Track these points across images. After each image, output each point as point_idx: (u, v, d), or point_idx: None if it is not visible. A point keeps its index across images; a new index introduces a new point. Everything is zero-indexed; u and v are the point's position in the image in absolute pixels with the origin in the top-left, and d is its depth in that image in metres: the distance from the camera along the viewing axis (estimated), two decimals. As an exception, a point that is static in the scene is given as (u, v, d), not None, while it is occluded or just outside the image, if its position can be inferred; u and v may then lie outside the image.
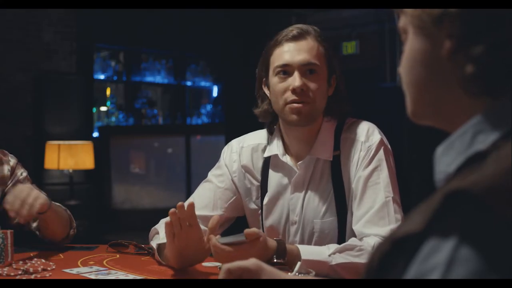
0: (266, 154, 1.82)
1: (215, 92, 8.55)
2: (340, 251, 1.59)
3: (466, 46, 0.68)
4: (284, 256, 1.58)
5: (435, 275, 0.59)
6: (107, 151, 6.73)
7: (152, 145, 7.23)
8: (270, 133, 1.83)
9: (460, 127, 0.69)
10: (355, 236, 1.69)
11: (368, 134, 1.73)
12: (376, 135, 1.73)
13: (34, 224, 1.97)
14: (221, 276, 1.05)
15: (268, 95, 1.78)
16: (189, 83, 8.25)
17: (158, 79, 7.94)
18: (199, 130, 7.75)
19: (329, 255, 1.58)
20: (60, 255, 1.85)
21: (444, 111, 0.73)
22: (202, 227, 1.81)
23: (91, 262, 1.75)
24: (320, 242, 1.71)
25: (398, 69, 0.78)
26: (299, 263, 1.31)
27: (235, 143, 1.90)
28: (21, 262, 1.69)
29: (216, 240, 1.51)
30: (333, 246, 1.61)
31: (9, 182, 2.01)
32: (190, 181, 6.94)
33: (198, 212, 1.82)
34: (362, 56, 6.32)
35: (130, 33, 6.99)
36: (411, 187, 4.49)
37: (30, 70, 5.89)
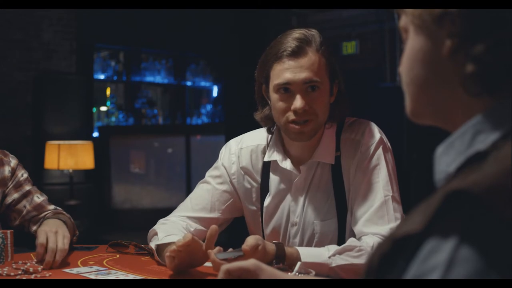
0: (266, 159, 1.81)
1: (215, 92, 8.55)
2: (340, 253, 1.59)
3: (466, 46, 0.68)
4: (283, 260, 1.58)
5: (435, 275, 0.59)
6: (107, 151, 6.74)
7: (152, 145, 7.23)
8: (270, 133, 1.83)
9: (460, 127, 0.69)
10: (355, 236, 1.68)
11: (367, 133, 1.73)
12: (375, 134, 1.73)
13: (34, 227, 1.96)
14: (220, 276, 1.05)
15: (269, 102, 1.75)
16: (189, 83, 8.25)
17: (158, 79, 7.94)
18: (199, 130, 7.75)
19: (329, 257, 1.58)
20: (60, 255, 1.85)
21: (444, 111, 0.73)
22: (200, 227, 1.81)
23: (91, 262, 1.75)
24: (321, 243, 1.70)
25: (399, 69, 0.78)
26: (299, 263, 1.31)
27: (233, 144, 1.89)
28: (20, 262, 1.69)
29: (215, 256, 1.52)
30: (333, 248, 1.61)
31: (10, 183, 2.00)
32: (190, 181, 6.94)
33: (195, 213, 1.83)
34: (362, 56, 6.32)
35: (130, 33, 6.99)
36: (411, 187, 4.49)
37: (30, 70, 5.89)
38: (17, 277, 1.56)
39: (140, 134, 7.36)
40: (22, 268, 1.61)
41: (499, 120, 0.67)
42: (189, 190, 6.84)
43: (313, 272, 1.28)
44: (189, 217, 1.83)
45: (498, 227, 0.58)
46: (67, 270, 1.65)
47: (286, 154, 1.78)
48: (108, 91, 7.78)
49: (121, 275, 1.60)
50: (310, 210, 1.75)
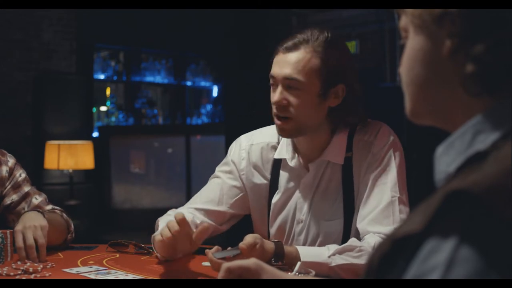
0: (276, 156, 1.81)
1: (215, 92, 8.55)
2: (340, 252, 1.59)
3: (466, 46, 0.68)
4: (282, 258, 1.58)
5: (435, 275, 0.59)
6: (107, 151, 6.74)
7: (152, 145, 7.23)
8: None
9: (460, 127, 0.69)
10: (359, 237, 1.68)
11: (380, 135, 1.72)
12: (388, 136, 1.72)
13: None
14: (220, 275, 1.05)
15: None
16: (189, 83, 8.25)
17: (158, 79, 7.94)
18: (199, 130, 7.75)
19: (329, 257, 1.58)
20: (60, 254, 1.85)
21: (444, 111, 0.73)
22: (206, 219, 1.81)
23: (91, 262, 1.75)
24: (325, 243, 1.70)
25: (399, 69, 0.78)
26: (299, 263, 1.31)
27: (244, 140, 1.89)
28: (20, 262, 1.69)
29: (212, 255, 1.52)
30: (333, 247, 1.61)
31: (8, 183, 2.00)
32: (190, 181, 6.94)
33: (203, 205, 1.85)
34: (362, 56, 6.32)
35: (130, 33, 6.99)
36: (411, 187, 4.48)
37: (30, 70, 5.89)
38: (17, 277, 1.56)
39: (140, 134, 7.36)
40: (22, 268, 1.61)
41: (499, 120, 0.67)
42: (189, 190, 6.84)
43: (313, 272, 1.28)
44: (196, 209, 1.84)
45: (498, 227, 0.58)
46: (67, 269, 1.65)
47: (296, 151, 1.78)
48: (108, 91, 7.78)
49: (120, 274, 1.60)
50: (317, 209, 1.75)
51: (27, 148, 5.61)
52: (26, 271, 1.59)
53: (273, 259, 1.58)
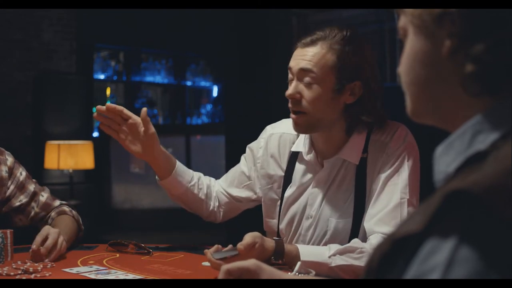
0: (293, 149, 1.82)
1: (215, 92, 8.55)
2: (341, 253, 1.59)
3: (466, 46, 0.68)
4: (282, 257, 1.58)
5: (435, 275, 0.59)
6: (107, 151, 6.73)
7: (152, 145, 7.22)
8: None
9: (460, 127, 0.69)
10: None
11: (396, 136, 1.71)
12: (404, 138, 1.71)
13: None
14: (220, 276, 1.05)
15: None
16: (189, 83, 8.25)
17: (158, 79, 7.94)
18: (199, 130, 7.75)
19: (329, 257, 1.58)
20: (60, 255, 1.85)
21: (444, 111, 0.73)
22: (223, 197, 1.94)
23: (91, 262, 1.75)
24: (332, 241, 1.70)
25: (398, 69, 0.78)
26: (299, 263, 1.31)
27: (268, 128, 1.92)
28: (20, 262, 1.69)
29: (211, 255, 1.53)
30: (334, 247, 1.60)
31: (9, 183, 1.99)
32: (190, 181, 6.93)
33: (222, 183, 1.97)
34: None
35: (130, 33, 6.99)
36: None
37: (30, 70, 5.89)
38: (17, 277, 1.56)
39: (140, 134, 7.34)
40: (22, 268, 1.61)
41: (499, 120, 0.67)
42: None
43: (313, 272, 1.28)
44: (219, 184, 1.97)
45: (498, 227, 0.58)
46: (67, 269, 1.65)
47: (312, 147, 1.78)
48: (108, 91, 7.78)
49: (121, 274, 1.60)
50: (327, 206, 1.75)
51: (27, 148, 5.61)
52: (26, 271, 1.59)
53: (273, 257, 1.58)
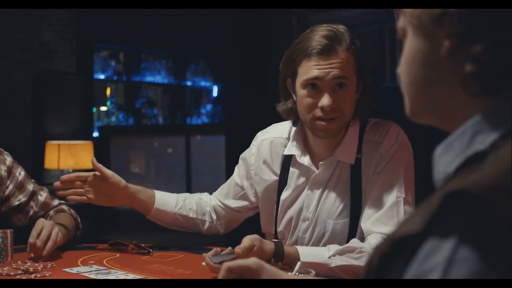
0: (285, 152, 1.82)
1: (215, 92, 8.55)
2: (341, 253, 1.59)
3: (465, 46, 0.68)
4: (281, 259, 1.58)
5: (435, 275, 0.59)
6: (107, 151, 6.73)
7: (152, 145, 7.23)
8: (294, 125, 1.82)
9: (460, 127, 0.69)
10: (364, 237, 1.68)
11: (389, 135, 1.72)
12: (396, 136, 1.72)
13: None
14: (221, 274, 1.05)
15: (293, 96, 1.75)
16: (189, 83, 8.25)
17: (158, 79, 7.94)
18: (199, 130, 7.74)
19: (329, 257, 1.58)
20: (60, 254, 1.85)
21: (444, 111, 0.73)
22: (220, 209, 1.95)
23: (91, 262, 1.75)
24: (330, 242, 1.70)
25: (397, 70, 0.78)
26: (299, 263, 1.31)
27: (259, 135, 1.93)
28: (20, 262, 1.69)
29: (209, 259, 1.54)
30: (334, 248, 1.60)
31: (8, 182, 2.00)
32: (190, 181, 6.93)
33: (218, 195, 1.98)
34: (362, 54, 6.31)
35: (130, 33, 6.99)
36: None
37: (30, 70, 5.89)
38: (17, 277, 1.56)
39: (140, 134, 7.35)
40: (22, 268, 1.61)
41: (499, 120, 0.67)
42: (189, 190, 6.83)
43: (313, 272, 1.28)
44: (216, 197, 1.99)
45: (498, 227, 0.58)
46: (67, 269, 1.65)
47: (306, 149, 1.78)
48: (108, 91, 7.78)
49: (121, 274, 1.60)
50: (324, 207, 1.75)
51: (27, 148, 5.61)
52: (26, 271, 1.59)
53: (272, 259, 1.58)
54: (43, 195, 2.05)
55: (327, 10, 6.19)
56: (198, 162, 6.94)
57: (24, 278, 1.56)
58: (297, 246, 1.64)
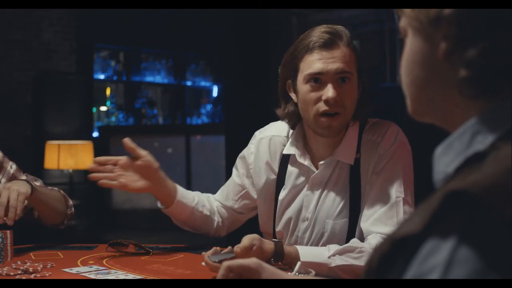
0: (285, 151, 1.81)
1: (215, 92, 8.55)
2: (340, 253, 1.59)
3: (461, 49, 0.67)
4: (281, 259, 1.58)
5: (435, 276, 0.59)
6: (107, 151, 6.73)
7: (152, 145, 7.23)
8: (292, 128, 1.82)
9: (459, 127, 0.69)
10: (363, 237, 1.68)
11: (387, 136, 1.72)
12: (395, 137, 1.72)
13: (37, 214, 1.97)
14: (221, 273, 1.05)
15: (294, 98, 1.74)
16: (189, 83, 8.26)
17: (158, 79, 7.95)
18: (199, 130, 7.75)
19: (329, 257, 1.58)
20: (60, 254, 1.85)
21: (444, 111, 0.73)
22: (223, 211, 1.94)
23: (91, 262, 1.75)
24: (329, 242, 1.69)
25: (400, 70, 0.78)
26: (299, 263, 1.31)
27: (257, 134, 1.91)
28: (20, 262, 1.69)
29: (208, 258, 1.54)
30: (333, 247, 1.60)
31: (0, 177, 1.99)
32: (190, 181, 6.94)
33: (218, 197, 1.97)
34: (362, 56, 6.32)
35: (130, 33, 6.99)
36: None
37: (30, 70, 5.89)
38: (17, 277, 1.56)
39: (140, 134, 7.35)
40: (21, 268, 1.61)
41: (498, 121, 0.67)
42: (189, 189, 6.82)
43: (313, 272, 1.28)
44: (216, 199, 1.97)
45: (498, 227, 0.58)
46: (67, 269, 1.65)
47: (306, 149, 1.78)
48: (108, 91, 7.78)
49: (121, 274, 1.60)
50: (323, 207, 1.75)
51: (27, 148, 5.61)
52: (26, 271, 1.59)
53: (272, 259, 1.58)
54: (37, 185, 2.04)
55: (327, 10, 6.19)
56: (198, 162, 6.95)
57: (24, 278, 1.56)
58: (297, 246, 1.64)
